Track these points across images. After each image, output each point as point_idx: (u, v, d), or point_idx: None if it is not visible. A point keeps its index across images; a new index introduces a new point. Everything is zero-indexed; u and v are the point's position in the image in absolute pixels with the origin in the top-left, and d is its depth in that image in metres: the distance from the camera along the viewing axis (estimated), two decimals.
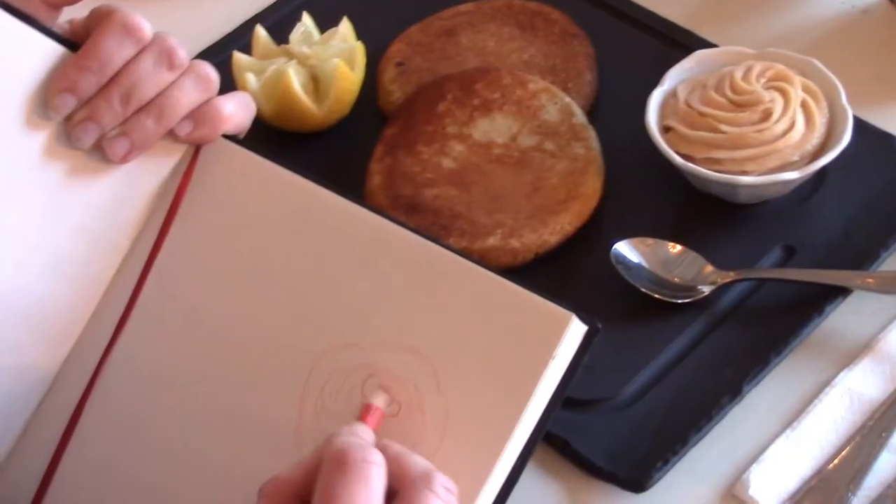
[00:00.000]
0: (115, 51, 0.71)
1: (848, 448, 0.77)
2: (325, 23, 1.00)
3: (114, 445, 0.71)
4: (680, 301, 0.84)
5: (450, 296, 0.67)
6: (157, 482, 0.70)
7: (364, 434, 0.62)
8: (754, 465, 0.77)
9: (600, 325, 0.67)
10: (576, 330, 0.66)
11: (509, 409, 0.65)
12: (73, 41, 0.72)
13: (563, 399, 0.66)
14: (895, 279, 0.84)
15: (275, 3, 1.07)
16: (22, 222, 0.71)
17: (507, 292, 0.67)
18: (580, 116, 0.93)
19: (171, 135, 0.73)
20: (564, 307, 0.66)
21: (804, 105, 0.87)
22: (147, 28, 0.72)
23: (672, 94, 0.91)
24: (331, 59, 0.95)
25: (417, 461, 0.62)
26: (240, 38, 1.03)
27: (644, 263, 0.86)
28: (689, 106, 0.88)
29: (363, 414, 0.65)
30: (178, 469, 0.70)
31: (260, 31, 0.99)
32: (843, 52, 1.00)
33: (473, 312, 0.67)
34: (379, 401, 0.66)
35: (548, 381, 0.65)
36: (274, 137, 0.95)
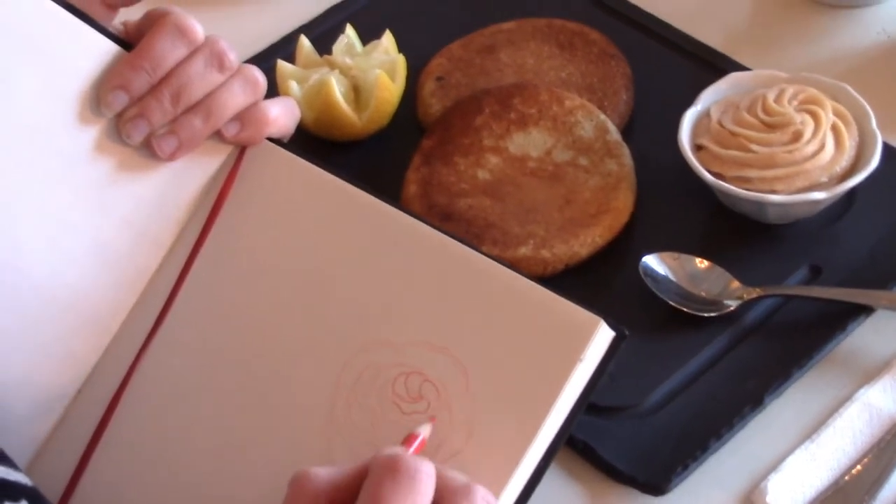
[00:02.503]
0: (167, 51, 0.73)
1: (865, 460, 0.78)
2: (368, 36, 1.01)
3: (148, 435, 0.72)
4: (706, 315, 0.85)
5: (481, 298, 0.69)
6: (186, 471, 0.71)
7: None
8: (773, 474, 0.78)
9: (627, 332, 0.68)
10: (604, 335, 0.67)
11: (535, 410, 0.66)
12: (128, 41, 0.74)
13: (587, 403, 0.67)
14: None
15: (320, 16, 1.08)
16: (71, 213, 0.73)
17: (537, 296, 0.68)
18: (614, 133, 0.94)
19: (218, 135, 0.75)
20: (593, 313, 0.67)
21: (834, 128, 0.88)
22: (199, 30, 0.74)
23: (705, 114, 0.92)
24: (372, 70, 0.97)
25: (456, 475, 0.61)
26: (285, 47, 1.04)
27: (672, 277, 0.87)
28: (721, 125, 0.89)
29: (406, 440, 0.65)
30: (209, 459, 0.71)
31: (304, 41, 1.01)
32: (876, 79, 1.00)
33: (504, 315, 0.68)
34: (425, 431, 0.66)
35: (574, 384, 0.66)
36: (314, 145, 0.96)
